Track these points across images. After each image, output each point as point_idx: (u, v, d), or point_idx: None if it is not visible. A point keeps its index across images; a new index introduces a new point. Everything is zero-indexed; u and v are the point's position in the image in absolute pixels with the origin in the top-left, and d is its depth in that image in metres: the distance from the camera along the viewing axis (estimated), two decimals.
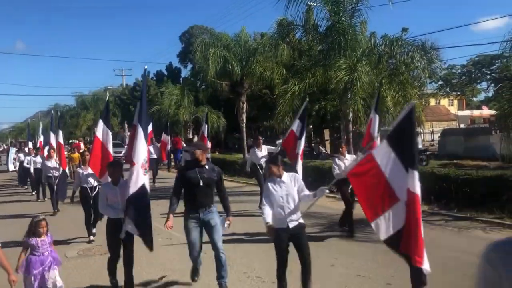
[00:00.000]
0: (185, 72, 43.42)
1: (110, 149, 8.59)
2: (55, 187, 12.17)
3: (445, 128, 30.99)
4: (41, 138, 17.51)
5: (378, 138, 7.92)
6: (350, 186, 7.85)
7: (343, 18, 13.72)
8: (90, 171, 8.69)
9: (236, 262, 6.81)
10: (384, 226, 4.22)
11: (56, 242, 8.59)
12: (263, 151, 11.28)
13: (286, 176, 5.16)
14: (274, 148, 11.41)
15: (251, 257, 7.20)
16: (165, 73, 43.66)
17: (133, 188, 5.57)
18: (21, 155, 17.71)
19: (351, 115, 13.92)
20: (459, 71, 27.32)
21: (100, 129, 8.78)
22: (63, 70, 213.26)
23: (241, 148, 21.53)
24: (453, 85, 27.59)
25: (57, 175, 12.13)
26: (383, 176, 4.23)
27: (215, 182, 5.57)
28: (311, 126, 25.42)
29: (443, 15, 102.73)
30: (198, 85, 33.26)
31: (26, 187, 17.76)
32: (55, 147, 12.99)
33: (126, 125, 43.09)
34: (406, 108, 4.22)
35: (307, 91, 14.26)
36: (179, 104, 26.06)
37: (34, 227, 5.03)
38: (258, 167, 11.38)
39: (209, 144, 15.62)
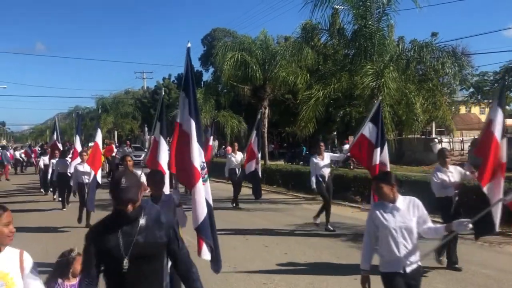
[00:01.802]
0: (206, 76, 43.45)
1: (163, 158, 6.32)
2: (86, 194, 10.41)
3: (475, 137, 30.01)
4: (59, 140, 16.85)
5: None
6: None
7: (370, 22, 13.39)
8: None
9: (255, 273, 6.59)
10: None
11: (64, 241, 8.54)
12: (326, 159, 9.67)
13: (401, 200, 3.76)
14: (338, 155, 10.35)
15: (269, 267, 6.92)
16: None
17: (200, 214, 4.43)
18: (45, 158, 16.06)
19: None
20: (491, 78, 26.60)
21: (158, 130, 6.93)
22: (83, 72, 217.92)
23: (262, 154, 21.24)
24: (485, 92, 26.83)
25: (88, 181, 10.23)
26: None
27: (160, 249, 2.68)
28: (335, 133, 25.06)
29: (473, 20, 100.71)
30: (219, 89, 33.21)
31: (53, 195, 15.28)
32: (80, 150, 12.03)
33: (146, 128, 43.35)
34: None
35: (331, 97, 13.93)
36: (200, 108, 25.97)
37: (66, 266, 3.43)
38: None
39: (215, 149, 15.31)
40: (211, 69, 41.33)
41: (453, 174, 6.62)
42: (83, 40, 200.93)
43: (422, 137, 27.95)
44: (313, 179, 9.55)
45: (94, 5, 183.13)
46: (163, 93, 8.21)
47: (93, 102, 61.86)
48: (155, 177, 4.67)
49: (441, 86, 14.37)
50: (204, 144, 13.72)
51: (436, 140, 26.46)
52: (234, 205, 12.56)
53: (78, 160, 11.39)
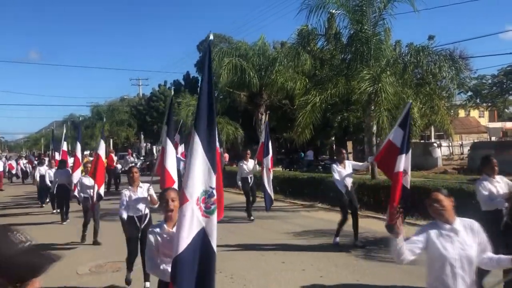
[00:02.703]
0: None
1: (172, 167, 5.92)
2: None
3: (475, 141, 29.99)
4: (64, 148, 15.93)
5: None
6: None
7: (366, 27, 13.34)
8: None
9: (253, 283, 6.45)
10: None
11: (67, 257, 8.45)
12: (347, 167, 8.78)
13: (459, 222, 3.13)
14: (361, 164, 9.27)
15: (266, 276, 6.80)
16: (182, 83, 43.66)
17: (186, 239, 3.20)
18: (41, 168, 15.52)
19: (374, 127, 13.41)
20: (490, 81, 26.59)
21: (164, 134, 6.59)
22: (78, 80, 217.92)
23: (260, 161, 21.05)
24: (484, 96, 26.81)
25: (92, 195, 9.57)
26: None
27: None
28: (333, 138, 24.93)
29: (470, 22, 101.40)
30: (215, 95, 33.02)
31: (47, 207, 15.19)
32: (85, 161, 12.22)
33: (142, 136, 43.15)
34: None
35: (328, 102, 13.80)
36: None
37: None
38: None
39: (226, 157, 14.78)
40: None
41: (500, 184, 6.02)
42: (77, 48, 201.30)
43: (421, 141, 27.87)
44: (341, 184, 8.59)
45: (89, 13, 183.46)
46: (172, 93, 7.75)
47: (88, 110, 61.73)
48: (169, 194, 3.71)
49: (439, 90, 14.27)
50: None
51: (435, 145, 26.38)
52: (251, 218, 11.72)
53: (80, 170, 11.41)
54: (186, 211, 3.22)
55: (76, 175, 11.46)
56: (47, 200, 15.00)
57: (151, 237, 3.57)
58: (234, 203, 14.19)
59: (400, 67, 13.46)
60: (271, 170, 11.72)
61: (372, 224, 10.17)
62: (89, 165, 10.20)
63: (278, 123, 27.60)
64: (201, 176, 3.28)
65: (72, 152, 15.78)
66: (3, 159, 31.04)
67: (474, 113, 40.73)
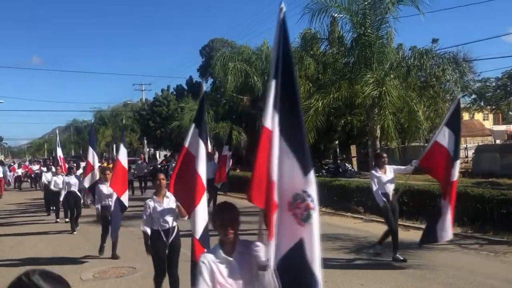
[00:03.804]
0: (205, 87, 43.26)
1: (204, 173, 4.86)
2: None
3: (479, 144, 29.79)
4: (59, 154, 16.04)
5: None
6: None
7: (369, 30, 13.25)
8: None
9: None
10: None
11: (71, 263, 8.42)
12: (389, 173, 7.84)
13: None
14: (404, 167, 8.16)
15: None
16: (185, 87, 43.67)
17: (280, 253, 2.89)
18: (48, 175, 15.09)
19: (378, 131, 13.35)
20: (494, 84, 26.48)
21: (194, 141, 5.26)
22: (81, 86, 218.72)
23: None
24: (488, 98, 26.70)
25: (111, 204, 8.73)
26: None
27: None
28: (336, 142, 24.84)
29: (474, 25, 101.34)
30: (218, 100, 33.06)
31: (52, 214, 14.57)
32: (103, 167, 11.68)
33: (145, 141, 43.17)
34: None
35: (331, 106, 13.75)
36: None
37: None
38: None
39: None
40: (210, 80, 41.28)
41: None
42: (80, 53, 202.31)
43: (425, 145, 27.71)
44: (379, 195, 7.72)
45: (91, 17, 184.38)
46: (204, 89, 6.04)
47: (91, 115, 61.80)
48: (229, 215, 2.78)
49: (442, 93, 14.21)
50: (221, 161, 13.28)
51: None
52: None
53: (96, 175, 10.95)
54: (278, 219, 2.73)
55: (88, 179, 11.43)
56: (53, 207, 14.37)
57: (203, 268, 2.71)
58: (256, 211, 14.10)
59: (403, 71, 13.41)
60: None
61: (374, 228, 10.11)
62: (108, 172, 9.27)
63: None
64: (292, 178, 2.79)
65: (82, 157, 15.66)
66: (15, 164, 31.16)
67: (479, 116, 40.59)
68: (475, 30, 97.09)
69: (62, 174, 13.17)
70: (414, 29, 52.48)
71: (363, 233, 9.73)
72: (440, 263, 7.43)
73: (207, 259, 2.73)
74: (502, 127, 37.99)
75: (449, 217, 6.29)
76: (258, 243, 2.71)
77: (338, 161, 26.81)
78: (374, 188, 7.74)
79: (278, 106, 2.79)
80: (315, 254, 2.72)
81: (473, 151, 26.44)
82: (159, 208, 5.58)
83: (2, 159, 41.76)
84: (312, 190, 2.77)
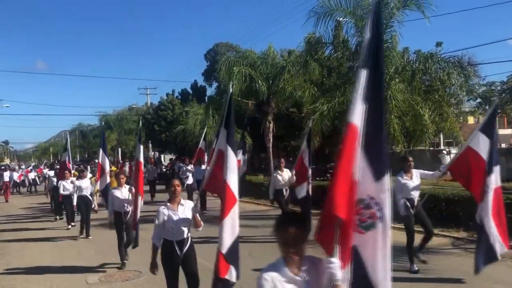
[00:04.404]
0: (210, 91, 43.38)
1: (232, 178, 4.53)
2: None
3: None
4: (65, 158, 15.37)
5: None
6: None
7: None
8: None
9: None
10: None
11: (77, 267, 8.46)
12: (415, 178, 7.42)
13: None
14: (431, 173, 7.54)
15: None
16: (190, 91, 43.80)
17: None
18: (55, 179, 14.93)
19: None
20: (499, 88, 26.37)
21: (223, 141, 4.84)
22: (86, 89, 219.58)
23: (268, 169, 21.01)
24: (493, 102, 26.59)
25: (128, 210, 8.44)
26: None
27: None
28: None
29: (478, 29, 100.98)
30: (223, 104, 33.03)
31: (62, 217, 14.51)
32: (104, 167, 11.50)
33: (150, 145, 43.24)
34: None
35: (336, 110, 13.75)
36: (204, 124, 25.82)
37: None
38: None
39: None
40: (215, 84, 41.36)
41: None
42: (85, 57, 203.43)
43: (431, 148, 27.66)
44: (402, 202, 7.25)
45: (96, 21, 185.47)
46: (231, 90, 5.53)
47: (96, 119, 62.07)
48: (292, 231, 2.46)
49: (447, 97, 14.17)
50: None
51: (445, 152, 26.16)
52: None
53: (107, 179, 11.00)
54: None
55: (102, 183, 11.48)
56: (64, 212, 14.00)
57: (266, 287, 2.44)
58: (265, 215, 14.15)
59: (408, 74, 13.38)
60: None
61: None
62: (122, 176, 8.86)
63: (286, 131, 27.55)
64: (361, 181, 2.52)
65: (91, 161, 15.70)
66: (17, 168, 31.46)
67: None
68: (480, 34, 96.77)
69: (68, 178, 12.79)
70: (418, 33, 52.37)
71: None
72: (446, 268, 7.41)
73: (270, 277, 2.43)
74: (507, 131, 37.83)
75: (493, 228, 5.98)
76: (333, 260, 2.43)
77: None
78: (398, 195, 7.21)
79: (366, 97, 2.57)
80: (379, 271, 2.37)
81: None
82: (174, 217, 5.08)
83: (8, 162, 41.95)
84: (382, 198, 2.47)
